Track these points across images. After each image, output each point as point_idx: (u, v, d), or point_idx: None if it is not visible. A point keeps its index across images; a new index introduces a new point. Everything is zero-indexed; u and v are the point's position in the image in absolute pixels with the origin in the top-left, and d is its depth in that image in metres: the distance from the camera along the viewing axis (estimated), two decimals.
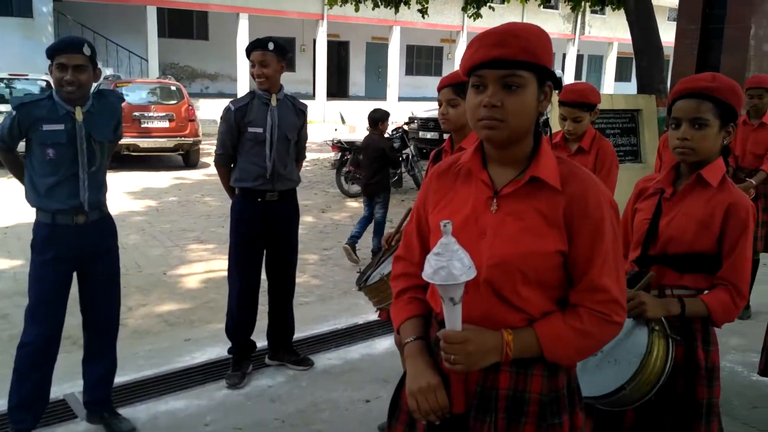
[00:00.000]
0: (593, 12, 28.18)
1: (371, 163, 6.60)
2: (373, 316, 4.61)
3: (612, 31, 31.18)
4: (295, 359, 3.89)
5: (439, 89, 2.90)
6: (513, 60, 1.41)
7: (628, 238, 2.22)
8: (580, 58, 32.11)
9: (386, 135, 10.29)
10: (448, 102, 2.84)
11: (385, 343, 4.24)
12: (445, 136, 10.84)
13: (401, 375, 1.65)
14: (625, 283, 1.52)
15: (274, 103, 3.62)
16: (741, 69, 7.74)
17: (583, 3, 14.73)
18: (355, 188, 9.95)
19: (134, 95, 12.04)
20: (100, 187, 3.01)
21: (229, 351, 3.79)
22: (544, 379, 1.48)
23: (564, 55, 31.26)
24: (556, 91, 1.56)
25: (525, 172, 1.49)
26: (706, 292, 2.04)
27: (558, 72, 16.38)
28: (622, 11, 12.68)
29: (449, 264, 1.35)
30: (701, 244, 2.03)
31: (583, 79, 33.09)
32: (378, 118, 6.86)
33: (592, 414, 2.08)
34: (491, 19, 19.77)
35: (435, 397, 1.47)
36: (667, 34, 12.59)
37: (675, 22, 8.74)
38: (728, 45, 7.87)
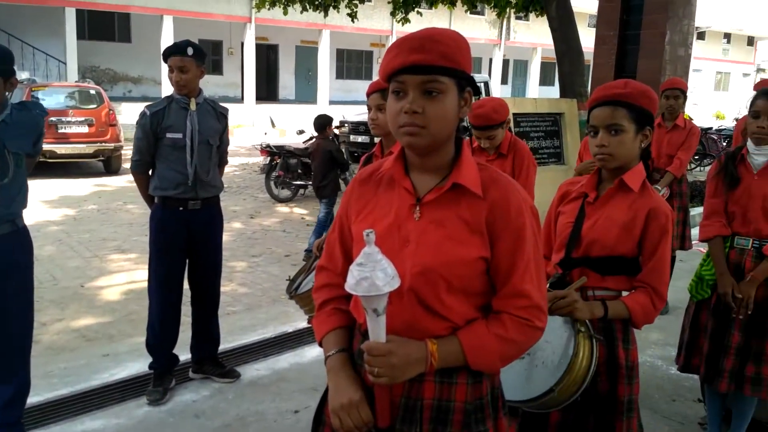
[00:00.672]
0: (518, 18, 28.94)
1: (320, 167, 6.78)
2: (303, 324, 4.54)
3: (536, 36, 32.06)
4: (221, 371, 3.76)
5: (368, 94, 2.88)
6: (432, 66, 1.38)
7: (551, 241, 2.23)
8: (506, 62, 32.87)
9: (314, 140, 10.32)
10: (377, 107, 2.82)
11: (314, 352, 4.17)
12: (376, 140, 10.86)
13: (325, 389, 1.59)
14: (546, 288, 1.52)
15: (193, 107, 3.49)
16: (657, 73, 8.06)
17: (508, 9, 15.09)
18: (285, 193, 9.82)
19: (51, 99, 11.48)
20: (11, 201, 2.80)
21: (151, 366, 3.62)
22: (468, 387, 1.46)
23: (491, 60, 31.93)
24: (476, 97, 1.54)
25: (447, 178, 1.46)
26: (625, 293, 2.08)
27: (485, 77, 16.61)
28: (545, 17, 13.04)
29: (372, 275, 1.30)
30: (623, 248, 2.06)
31: (509, 84, 33.92)
32: (324, 123, 7.05)
33: (517, 415, 2.08)
34: (420, 23, 19.93)
35: (358, 413, 1.42)
36: (588, 39, 12.98)
37: (594, 28, 9.01)
38: (644, 50, 8.18)
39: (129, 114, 18.23)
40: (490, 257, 1.44)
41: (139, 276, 5.78)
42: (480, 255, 1.42)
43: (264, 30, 24.64)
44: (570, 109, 8.19)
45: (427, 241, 1.43)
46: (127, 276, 5.90)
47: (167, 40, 21.15)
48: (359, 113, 14.07)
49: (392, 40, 28.33)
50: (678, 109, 5.02)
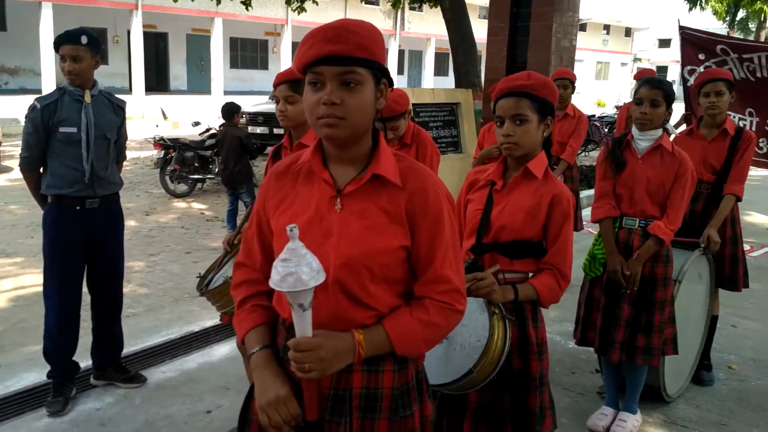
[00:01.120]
0: (412, 9, 29.31)
1: (231, 154, 6.78)
2: (210, 322, 4.44)
3: (430, 27, 32.66)
4: (125, 376, 3.61)
5: (275, 85, 2.84)
6: (350, 56, 1.39)
7: (462, 228, 2.31)
8: (401, 53, 33.29)
9: (214, 131, 10.03)
10: (285, 99, 2.79)
11: (223, 349, 4.09)
12: (276, 130, 10.70)
13: (250, 387, 1.58)
14: (464, 272, 1.57)
15: (88, 99, 3.31)
16: (546, 64, 8.42)
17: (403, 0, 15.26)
18: (182, 188, 9.51)
19: None
20: None
21: (49, 375, 3.42)
22: (394, 373, 1.49)
23: (387, 50, 32.21)
24: None
25: (366, 169, 1.48)
26: (532, 275, 2.19)
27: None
28: (438, 9, 13.31)
29: (297, 270, 1.30)
30: (529, 232, 2.16)
31: (405, 74, 34.40)
32: (233, 110, 7.11)
33: (435, 398, 2.15)
34: (315, 13, 19.78)
35: (286, 408, 1.42)
36: (480, 31, 13.37)
37: (486, 20, 9.29)
38: (533, 41, 8.52)
39: (7, 108, 17.01)
40: (410, 245, 1.47)
41: (28, 281, 5.44)
42: (401, 244, 1.46)
43: (152, 17, 23.62)
44: (466, 99, 8.42)
45: (350, 232, 1.44)
46: (14, 282, 5.53)
47: (47, 28, 19.85)
48: (256, 104, 13.82)
49: (288, 29, 28.02)
50: (567, 99, 5.29)
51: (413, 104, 8.53)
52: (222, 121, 7.39)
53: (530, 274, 2.20)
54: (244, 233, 1.66)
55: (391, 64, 30.78)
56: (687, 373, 3.66)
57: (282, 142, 2.99)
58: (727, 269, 3.74)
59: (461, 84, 11.97)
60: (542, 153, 2.26)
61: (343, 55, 1.38)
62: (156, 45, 26.61)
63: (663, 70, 46.96)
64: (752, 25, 25.71)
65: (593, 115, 17.04)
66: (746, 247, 6.66)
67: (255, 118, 12.70)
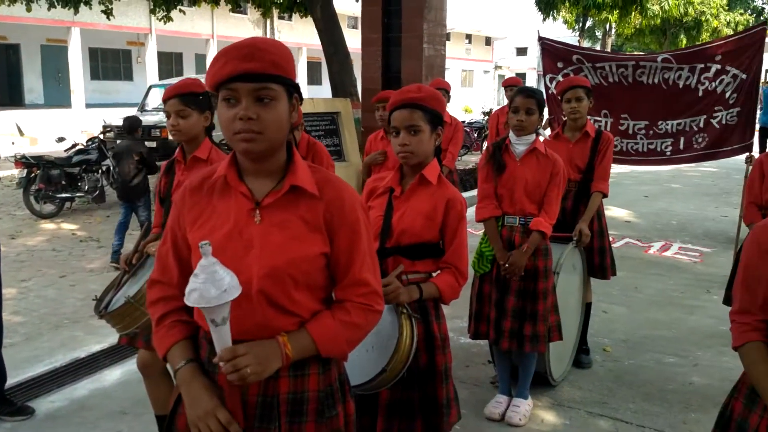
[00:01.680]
0: (281, 18, 29.20)
1: (131, 168, 6.76)
2: (98, 346, 4.25)
3: (300, 36, 32.66)
4: (11, 410, 3.38)
5: (165, 100, 2.80)
6: (264, 74, 1.44)
7: None
8: None
9: (81, 146, 9.50)
10: (177, 113, 2.77)
11: (115, 374, 3.93)
12: (149, 144, 10.30)
13: (174, 401, 1.58)
14: (380, 275, 1.67)
15: None
16: (418, 73, 8.77)
17: (272, 9, 15.20)
18: (49, 208, 8.91)
19: None
20: None
21: None
22: (319, 376, 1.56)
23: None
24: None
25: (283, 181, 1.54)
26: (434, 274, 2.33)
27: None
28: (308, 17, 13.40)
29: (202, 287, 1.33)
30: (428, 234, 2.30)
31: None
32: (134, 125, 7.20)
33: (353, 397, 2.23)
34: (182, 22, 19.20)
35: (216, 419, 1.44)
36: (351, 40, 13.61)
37: (356, 30, 9.48)
38: (406, 52, 8.83)
39: None
40: (329, 252, 1.55)
41: None
42: (321, 251, 1.53)
43: (1, 28, 21.91)
44: (345, 108, 8.55)
45: (271, 243, 1.49)
46: None
47: None
48: (124, 117, 13.22)
49: (152, 38, 26.98)
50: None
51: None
52: (89, 136, 7.14)
53: (432, 274, 2.34)
54: (158, 250, 1.65)
55: None
56: (568, 357, 3.97)
57: (175, 156, 2.95)
58: (597, 260, 4.10)
59: (338, 93, 12.11)
60: (435, 160, 2.41)
61: (257, 72, 1.43)
62: (7, 57, 24.73)
63: (521, 77, 49.76)
64: (599, 33, 27.93)
65: (463, 121, 17.83)
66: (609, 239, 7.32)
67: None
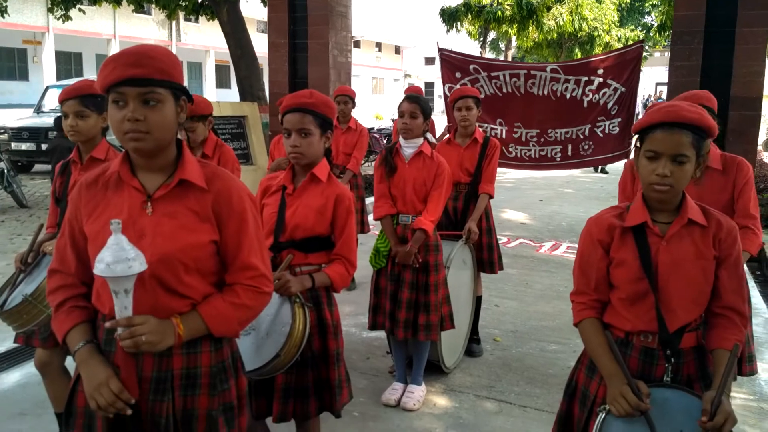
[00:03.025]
0: (187, 20, 28.65)
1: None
2: None
3: (208, 38, 32.16)
4: None
5: (62, 101, 2.85)
6: (150, 79, 1.59)
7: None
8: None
9: None
10: (75, 114, 2.82)
11: (13, 376, 3.86)
12: (45, 146, 10.14)
13: (73, 380, 1.69)
14: (270, 261, 1.84)
15: None
16: (325, 79, 8.96)
17: (177, 11, 14.97)
18: None
19: None
20: None
21: None
22: (211, 353, 1.72)
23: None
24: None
25: (173, 176, 1.69)
26: (324, 266, 2.51)
27: None
28: (215, 20, 13.31)
29: (111, 258, 1.48)
30: (320, 228, 2.48)
31: (185, 86, 33.33)
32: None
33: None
34: (81, 21, 18.49)
35: (108, 388, 1.57)
36: (259, 44, 13.63)
37: (264, 34, 9.57)
38: (312, 58, 9.00)
39: None
40: (219, 240, 1.70)
41: None
42: (210, 239, 1.69)
43: None
44: (252, 112, 8.61)
45: (162, 232, 1.64)
46: None
47: None
48: (20, 118, 12.67)
49: (49, 37, 25.80)
50: (349, 113, 5.78)
51: (215, 116, 8.54)
52: None
53: (322, 266, 2.52)
54: (57, 242, 1.76)
55: None
56: (460, 347, 4.26)
57: (71, 157, 2.99)
58: (485, 255, 4.41)
59: (246, 97, 12.11)
60: (324, 160, 2.60)
61: (143, 77, 1.58)
62: None
63: (431, 85, 51.02)
64: (502, 46, 29.09)
65: (373, 128, 18.15)
66: (504, 239, 7.75)
67: (19, 133, 11.62)
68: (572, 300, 2.06)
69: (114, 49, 28.23)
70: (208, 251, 1.69)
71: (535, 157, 6.97)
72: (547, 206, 10.63)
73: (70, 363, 3.02)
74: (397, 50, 50.45)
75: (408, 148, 3.62)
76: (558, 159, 6.98)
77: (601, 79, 6.61)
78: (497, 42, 29.57)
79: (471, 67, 6.83)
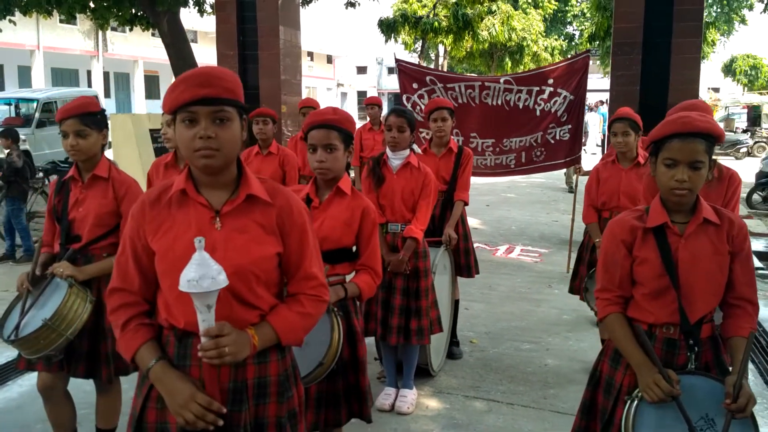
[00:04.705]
0: (113, 30, 27.86)
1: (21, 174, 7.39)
2: None
3: (136, 49, 31.32)
4: None
5: (61, 120, 2.82)
6: (220, 98, 1.65)
7: None
8: (106, 75, 31.32)
9: None
10: (76, 133, 2.80)
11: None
12: None
13: (142, 398, 1.71)
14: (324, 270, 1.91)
15: None
16: (276, 90, 8.96)
17: (110, 21, 14.59)
18: None
19: None
20: None
21: None
22: (279, 362, 1.78)
23: (89, 72, 30.09)
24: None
25: (237, 191, 1.74)
26: (348, 276, 2.59)
27: (94, 91, 15.77)
28: (142, 30, 13.05)
29: (197, 275, 1.52)
30: (346, 240, 2.58)
31: (113, 97, 32.42)
32: (17, 135, 7.65)
33: None
34: (8, 32, 17.66)
35: (196, 402, 1.61)
36: (197, 55, 13.47)
37: (196, 44, 9.48)
38: (263, 69, 8.98)
39: None
40: (282, 252, 1.77)
41: None
42: (276, 251, 1.75)
43: None
44: None
45: (234, 245, 1.69)
46: None
47: None
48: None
49: None
50: None
51: (150, 130, 8.41)
52: None
53: (346, 276, 2.60)
54: (117, 259, 1.78)
55: (97, 87, 28.79)
56: (443, 350, 4.39)
57: (71, 174, 2.96)
58: (463, 260, 4.57)
59: None
60: (346, 174, 2.69)
61: (215, 97, 1.64)
62: None
63: (363, 94, 51.32)
64: (432, 55, 29.64)
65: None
66: (472, 241, 7.97)
67: None
68: (597, 297, 2.21)
69: (38, 61, 27.09)
70: (275, 263, 1.75)
71: (491, 165, 7.22)
72: (495, 211, 10.96)
73: (72, 386, 2.99)
74: (329, 59, 50.54)
75: (395, 159, 3.74)
76: (512, 166, 7.24)
77: (551, 89, 6.91)
78: (428, 51, 30.13)
79: (427, 78, 7.01)
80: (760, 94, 31.48)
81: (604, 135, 16.16)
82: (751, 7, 30.96)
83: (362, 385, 2.55)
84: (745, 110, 26.40)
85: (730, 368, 2.09)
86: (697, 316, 2.07)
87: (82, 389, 3.29)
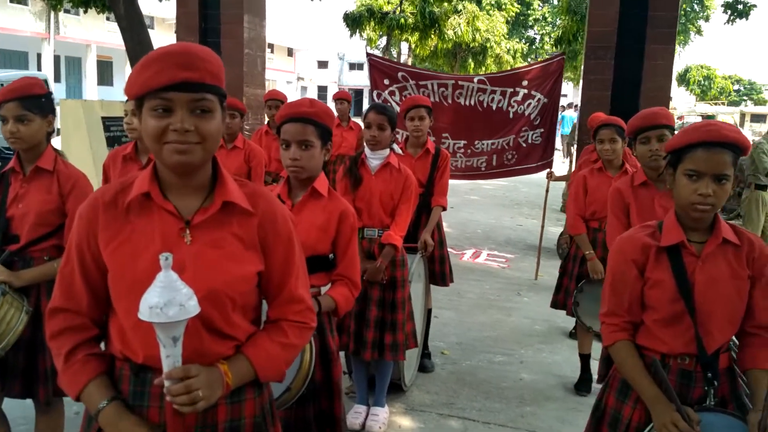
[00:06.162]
0: (66, 11, 26.80)
1: None
2: None
3: (88, 32, 30.21)
4: None
5: (1, 103, 2.46)
6: (203, 83, 1.35)
7: None
8: (57, 59, 30.08)
9: None
10: (16, 118, 2.45)
11: None
12: None
13: None
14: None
15: None
16: (239, 80, 8.58)
17: (63, 2, 13.90)
18: None
19: None
20: None
21: None
22: (255, 400, 1.49)
23: (39, 55, 28.88)
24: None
25: (210, 197, 1.44)
26: (327, 287, 2.31)
27: (44, 75, 15.04)
28: (96, 12, 12.49)
29: (161, 301, 1.23)
30: (321, 247, 2.29)
31: (63, 82, 31.21)
32: None
33: None
34: None
35: None
36: (154, 43, 12.93)
37: (153, 30, 9.07)
38: (226, 60, 8.52)
39: None
40: (263, 270, 1.48)
41: None
42: (257, 269, 1.46)
43: None
44: None
45: (205, 263, 1.40)
46: None
47: None
48: None
49: None
50: None
51: (103, 118, 7.95)
52: None
53: (321, 288, 2.32)
54: (61, 272, 1.46)
55: (47, 71, 27.64)
56: (414, 363, 4.15)
57: (12, 166, 2.61)
58: (438, 268, 4.34)
59: None
60: (322, 173, 2.41)
61: (197, 82, 1.34)
62: None
63: (324, 89, 50.89)
64: (394, 53, 29.47)
65: (268, 131, 17.71)
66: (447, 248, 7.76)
67: None
68: (603, 321, 1.99)
69: None
70: (254, 283, 1.46)
71: (462, 167, 7.01)
72: (458, 213, 10.78)
73: (7, 406, 2.64)
74: (290, 52, 49.82)
75: (374, 159, 3.47)
76: (483, 168, 7.06)
77: (525, 90, 6.75)
78: (390, 48, 30.03)
79: (399, 74, 6.76)
80: (711, 104, 32.36)
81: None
82: (707, 18, 31.65)
83: (336, 412, 2.29)
84: (700, 119, 27.05)
85: (748, 401, 1.90)
86: (715, 345, 1.87)
87: (20, 404, 2.93)
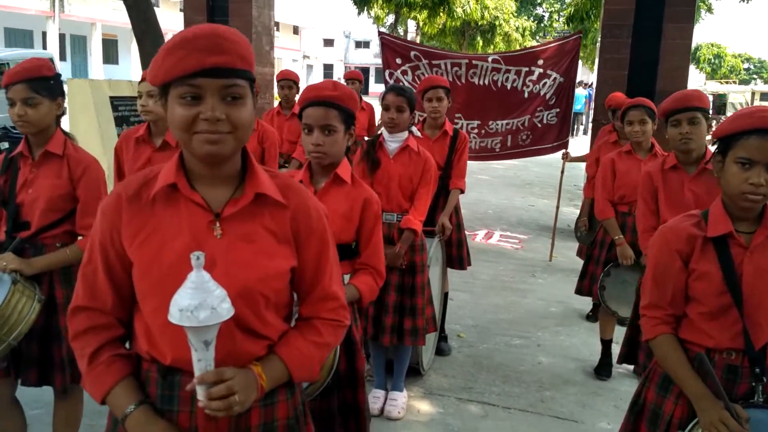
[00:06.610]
0: None
1: None
2: None
3: (94, 11, 29.98)
4: None
5: (8, 85, 2.39)
6: (233, 68, 1.27)
7: None
8: (62, 37, 29.90)
9: None
10: (24, 101, 2.38)
11: None
12: None
13: None
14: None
15: None
16: None
17: None
18: None
19: None
20: None
21: None
22: (288, 402, 1.44)
23: (44, 33, 28.70)
24: None
25: (241, 189, 1.37)
26: (349, 276, 2.25)
27: (49, 54, 14.92)
28: None
29: (193, 303, 1.16)
30: (344, 236, 2.23)
31: (68, 61, 31.05)
32: None
33: None
34: None
35: None
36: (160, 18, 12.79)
37: (158, 8, 8.94)
38: None
39: None
40: (296, 265, 1.42)
41: None
42: (291, 265, 1.40)
43: None
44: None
45: (238, 259, 1.33)
46: None
47: None
48: None
49: None
50: (293, 99, 5.45)
51: (111, 97, 7.86)
52: None
53: (345, 277, 2.26)
54: (82, 270, 1.39)
55: (52, 50, 27.49)
56: (432, 346, 4.11)
57: (20, 150, 2.54)
58: (455, 251, 4.29)
59: None
60: (345, 159, 2.34)
61: (228, 67, 1.27)
62: None
63: (329, 67, 50.56)
64: (401, 31, 29.19)
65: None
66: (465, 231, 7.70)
67: None
68: (643, 314, 1.93)
69: None
70: (287, 280, 1.40)
71: (476, 149, 6.91)
72: (468, 193, 10.50)
73: (20, 393, 2.61)
74: (296, 30, 49.39)
75: (393, 142, 3.39)
76: (498, 150, 6.96)
77: (541, 70, 6.62)
78: (397, 26, 29.78)
79: (412, 53, 6.64)
80: (721, 83, 31.96)
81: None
82: None
83: (360, 402, 2.24)
84: (711, 98, 26.78)
85: None
86: (764, 340, 1.81)
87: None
